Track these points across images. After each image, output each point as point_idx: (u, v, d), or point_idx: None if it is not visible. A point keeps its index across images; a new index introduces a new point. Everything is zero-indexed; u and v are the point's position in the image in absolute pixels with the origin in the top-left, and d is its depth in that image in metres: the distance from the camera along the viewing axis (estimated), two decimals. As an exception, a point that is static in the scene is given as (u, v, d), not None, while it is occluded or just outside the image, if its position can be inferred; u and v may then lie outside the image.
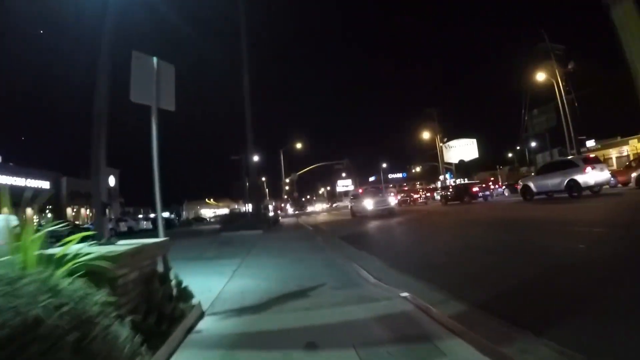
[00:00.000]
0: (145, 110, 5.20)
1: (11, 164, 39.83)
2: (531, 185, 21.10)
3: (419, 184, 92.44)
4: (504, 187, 36.24)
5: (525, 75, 43.08)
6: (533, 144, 71.28)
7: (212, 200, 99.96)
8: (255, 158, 30.90)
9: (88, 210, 46.86)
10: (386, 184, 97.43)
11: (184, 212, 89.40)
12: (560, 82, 35.33)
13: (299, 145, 45.76)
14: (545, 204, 17.68)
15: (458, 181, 66.12)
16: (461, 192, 30.26)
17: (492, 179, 44.65)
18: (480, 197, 28.73)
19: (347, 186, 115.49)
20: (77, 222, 38.04)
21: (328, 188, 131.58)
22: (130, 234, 32.53)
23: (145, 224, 37.93)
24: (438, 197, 40.87)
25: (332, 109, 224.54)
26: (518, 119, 56.84)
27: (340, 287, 5.43)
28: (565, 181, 18.85)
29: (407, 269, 6.59)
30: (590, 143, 61.82)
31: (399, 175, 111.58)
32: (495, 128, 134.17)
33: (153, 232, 31.11)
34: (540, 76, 37.61)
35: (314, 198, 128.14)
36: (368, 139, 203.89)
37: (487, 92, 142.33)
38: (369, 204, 24.39)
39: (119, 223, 33.35)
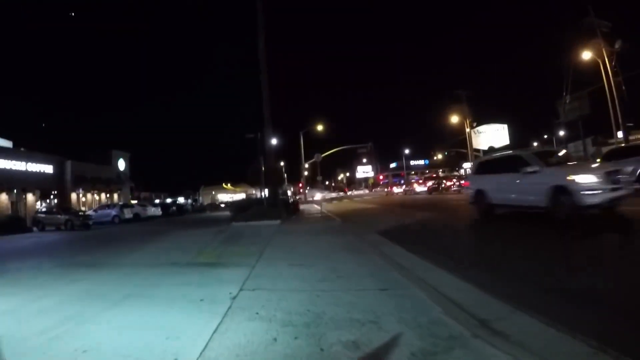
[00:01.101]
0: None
1: (22, 149, 38.03)
2: (595, 173, 17.85)
3: (442, 171, 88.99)
4: None
5: (567, 54, 39.55)
6: (561, 133, 67.40)
7: (229, 185, 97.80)
8: (274, 141, 28.21)
9: (97, 195, 44.82)
10: (407, 171, 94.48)
11: (200, 198, 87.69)
12: (607, 62, 32.04)
13: (320, 128, 42.95)
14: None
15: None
16: None
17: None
18: None
19: (367, 172, 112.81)
20: (82, 209, 35.81)
21: (348, 174, 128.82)
22: (138, 221, 30.15)
23: (154, 210, 35.39)
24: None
25: (355, 92, 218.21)
26: (546, 107, 53.24)
27: (433, 349, 2.79)
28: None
29: (522, 296, 3.96)
30: (620, 134, 57.35)
31: (421, 162, 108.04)
32: (523, 116, 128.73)
33: (164, 219, 28.90)
34: (585, 55, 34.13)
35: (333, 184, 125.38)
36: (391, 124, 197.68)
37: (516, 78, 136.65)
38: (588, 179, 9.23)
39: (123, 210, 30.85)
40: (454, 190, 37.53)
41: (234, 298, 4.24)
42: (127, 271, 6.72)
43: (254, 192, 58.85)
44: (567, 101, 45.89)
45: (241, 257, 7.10)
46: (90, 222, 25.21)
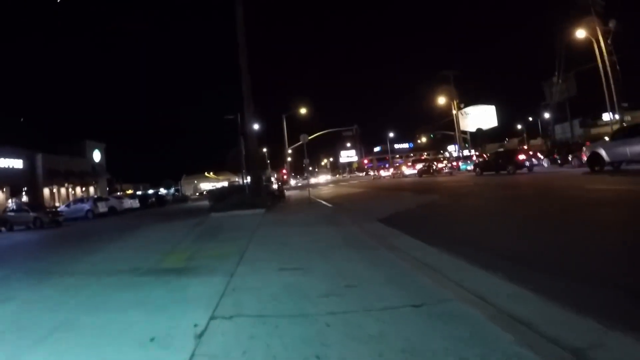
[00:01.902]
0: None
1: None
2: (602, 152, 16.78)
3: (426, 154, 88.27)
4: (542, 156, 31.44)
5: (560, 33, 38.63)
6: (547, 115, 66.59)
7: (211, 173, 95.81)
8: (255, 126, 26.30)
9: (71, 189, 42.59)
10: (392, 155, 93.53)
11: (182, 187, 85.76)
12: (601, 40, 31.19)
13: (303, 111, 41.58)
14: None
15: (461, 152, 61.65)
16: (502, 161, 25.61)
17: (523, 147, 40.32)
18: (526, 166, 24.24)
19: (350, 157, 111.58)
20: (57, 205, 33.75)
21: (331, 159, 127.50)
22: (114, 215, 28.28)
23: (131, 203, 33.24)
24: (465, 167, 36.36)
25: (338, 77, 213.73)
26: (535, 87, 52.42)
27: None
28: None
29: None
30: (606, 116, 56.62)
31: (405, 145, 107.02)
32: (511, 97, 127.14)
33: (141, 212, 27.27)
34: (580, 33, 33.26)
35: (316, 170, 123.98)
36: (374, 108, 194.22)
37: (505, 58, 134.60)
38: None
39: (97, 203, 28.65)
40: (446, 173, 36.36)
41: (201, 336, 2.80)
42: (74, 283, 5.30)
43: (237, 179, 57.19)
44: (560, 81, 44.97)
45: (217, 259, 5.66)
46: (61, 219, 23.39)
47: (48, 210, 25.02)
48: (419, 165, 40.76)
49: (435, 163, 40.91)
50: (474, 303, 3.10)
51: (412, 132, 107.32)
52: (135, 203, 33.88)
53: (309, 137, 34.96)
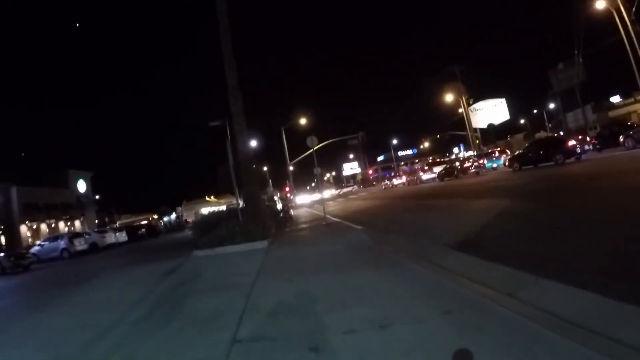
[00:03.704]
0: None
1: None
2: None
3: (431, 159, 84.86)
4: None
5: (577, 11, 35.54)
6: (552, 106, 63.39)
7: (212, 197, 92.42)
8: (253, 143, 22.67)
9: (54, 224, 38.74)
10: (397, 162, 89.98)
11: (182, 214, 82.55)
12: (622, 10, 28.31)
13: (302, 124, 38.05)
14: None
15: (465, 154, 57.67)
16: (545, 151, 21.65)
17: (554, 135, 36.61)
18: (577, 154, 20.40)
19: (353, 168, 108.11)
20: (34, 244, 29.82)
21: (334, 173, 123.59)
22: (95, 252, 24.22)
23: (117, 236, 29.14)
24: (491, 165, 32.39)
25: (335, 86, 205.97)
26: (536, 81, 49.51)
27: None
28: None
29: None
30: (616, 98, 53.78)
31: (409, 152, 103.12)
32: (521, 88, 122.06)
33: (126, 247, 23.59)
34: (599, 4, 30.22)
35: (319, 185, 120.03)
36: (375, 116, 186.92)
37: (512, 47, 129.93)
38: None
39: (73, 240, 24.33)
40: (472, 172, 32.26)
41: None
42: None
43: (239, 201, 53.22)
44: (580, 61, 41.51)
45: None
46: (27, 262, 19.67)
47: (11, 253, 21.16)
48: (438, 168, 36.53)
49: (457, 163, 36.50)
50: None
51: (414, 138, 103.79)
52: (122, 236, 29.75)
53: (321, 144, 31.39)
